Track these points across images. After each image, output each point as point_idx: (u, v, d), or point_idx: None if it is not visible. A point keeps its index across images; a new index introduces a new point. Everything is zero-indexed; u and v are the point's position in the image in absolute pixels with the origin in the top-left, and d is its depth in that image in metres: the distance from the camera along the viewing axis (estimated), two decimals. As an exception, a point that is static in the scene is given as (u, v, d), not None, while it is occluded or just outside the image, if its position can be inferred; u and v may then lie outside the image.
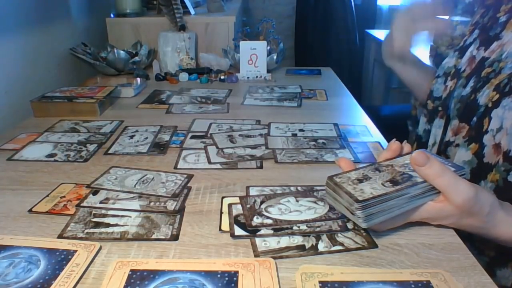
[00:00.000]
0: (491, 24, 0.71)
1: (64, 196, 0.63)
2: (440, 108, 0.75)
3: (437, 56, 0.91)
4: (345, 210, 0.52)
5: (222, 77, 1.34)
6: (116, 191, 0.64)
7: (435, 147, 0.76)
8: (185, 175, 0.69)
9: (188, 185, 0.66)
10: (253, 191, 0.64)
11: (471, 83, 0.68)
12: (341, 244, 0.51)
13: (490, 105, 0.61)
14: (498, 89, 0.61)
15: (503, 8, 0.70)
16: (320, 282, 0.44)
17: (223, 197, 0.62)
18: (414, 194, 0.50)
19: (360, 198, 0.49)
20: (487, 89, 0.63)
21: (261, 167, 0.73)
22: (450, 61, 0.78)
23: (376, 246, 0.51)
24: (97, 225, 0.55)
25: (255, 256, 0.49)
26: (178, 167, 0.73)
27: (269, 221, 0.55)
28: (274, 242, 0.51)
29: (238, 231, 0.54)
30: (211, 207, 0.60)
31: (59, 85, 1.14)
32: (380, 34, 2.64)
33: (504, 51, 0.65)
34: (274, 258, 0.48)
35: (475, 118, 0.64)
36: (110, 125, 0.93)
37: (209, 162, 0.75)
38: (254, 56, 1.36)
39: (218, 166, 0.73)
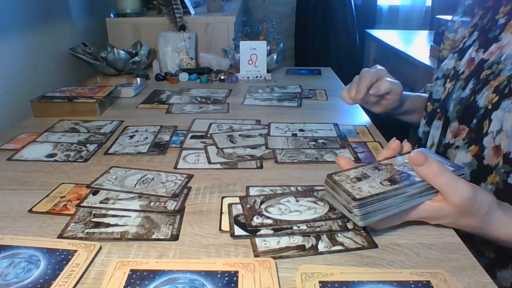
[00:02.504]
0: (490, 26, 0.71)
1: (64, 196, 0.63)
2: (438, 110, 0.75)
3: (440, 61, 0.91)
4: (343, 208, 0.52)
5: (222, 77, 1.34)
6: (116, 191, 0.64)
7: (433, 149, 0.76)
8: (185, 175, 0.69)
9: (188, 185, 0.66)
10: (253, 191, 0.64)
11: (470, 85, 0.68)
12: (341, 244, 0.51)
13: (490, 107, 0.61)
14: (498, 91, 0.61)
15: (502, 10, 0.70)
16: (320, 282, 0.44)
17: (223, 197, 0.62)
18: (412, 193, 0.51)
19: (357, 196, 0.49)
20: (486, 91, 0.63)
21: (261, 167, 0.73)
22: (449, 63, 0.78)
23: (376, 246, 0.51)
24: (97, 225, 0.55)
25: (255, 256, 0.49)
26: (178, 167, 0.73)
27: (269, 221, 0.55)
28: (274, 242, 0.51)
29: (238, 231, 0.54)
30: (211, 207, 0.60)
31: (59, 85, 1.14)
32: (380, 34, 2.64)
33: (503, 53, 0.65)
34: (274, 258, 0.48)
35: (475, 120, 0.64)
36: (110, 125, 0.94)
37: (209, 162, 0.75)
38: (254, 56, 1.36)
39: (218, 166, 0.73)
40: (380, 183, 0.51)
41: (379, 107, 0.91)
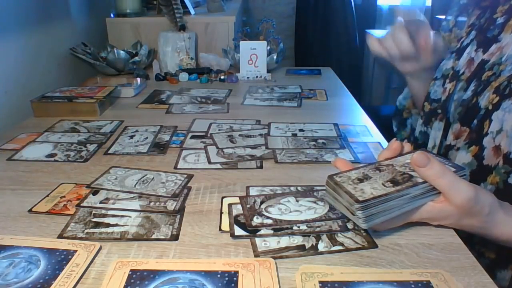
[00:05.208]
0: (488, 26, 0.71)
1: (64, 196, 0.63)
2: (439, 111, 0.75)
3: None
4: (345, 210, 0.51)
5: (222, 77, 1.34)
6: (116, 191, 0.63)
7: (434, 150, 0.75)
8: (185, 175, 0.69)
9: (188, 185, 0.66)
10: (253, 191, 0.64)
11: (472, 87, 0.67)
12: (341, 244, 0.51)
13: (490, 107, 0.61)
14: (498, 92, 0.61)
15: (500, 9, 0.69)
16: (320, 282, 0.44)
17: (223, 197, 0.62)
18: (414, 194, 0.50)
19: (360, 199, 0.49)
20: (487, 92, 0.63)
21: (261, 167, 0.73)
22: (448, 63, 0.77)
23: (376, 246, 0.51)
24: (97, 225, 0.55)
25: (255, 256, 0.49)
26: (178, 167, 0.73)
27: (269, 221, 0.55)
28: (274, 242, 0.51)
29: (238, 231, 0.54)
30: (211, 207, 0.60)
31: (59, 85, 1.14)
32: (380, 34, 2.64)
33: (504, 54, 0.64)
34: (274, 258, 0.48)
35: (475, 121, 0.64)
36: (110, 125, 0.93)
37: (209, 162, 0.75)
38: (254, 56, 1.36)
39: (218, 166, 0.73)
40: (382, 184, 0.51)
41: (412, 65, 0.77)
